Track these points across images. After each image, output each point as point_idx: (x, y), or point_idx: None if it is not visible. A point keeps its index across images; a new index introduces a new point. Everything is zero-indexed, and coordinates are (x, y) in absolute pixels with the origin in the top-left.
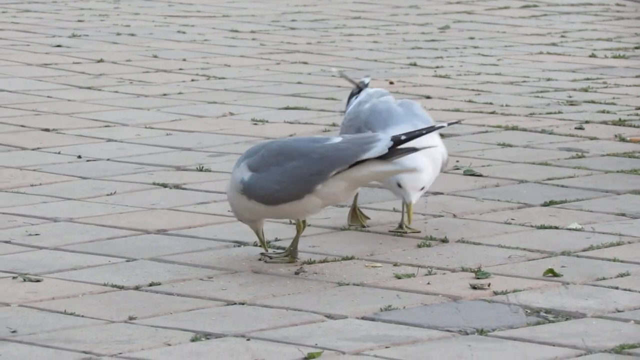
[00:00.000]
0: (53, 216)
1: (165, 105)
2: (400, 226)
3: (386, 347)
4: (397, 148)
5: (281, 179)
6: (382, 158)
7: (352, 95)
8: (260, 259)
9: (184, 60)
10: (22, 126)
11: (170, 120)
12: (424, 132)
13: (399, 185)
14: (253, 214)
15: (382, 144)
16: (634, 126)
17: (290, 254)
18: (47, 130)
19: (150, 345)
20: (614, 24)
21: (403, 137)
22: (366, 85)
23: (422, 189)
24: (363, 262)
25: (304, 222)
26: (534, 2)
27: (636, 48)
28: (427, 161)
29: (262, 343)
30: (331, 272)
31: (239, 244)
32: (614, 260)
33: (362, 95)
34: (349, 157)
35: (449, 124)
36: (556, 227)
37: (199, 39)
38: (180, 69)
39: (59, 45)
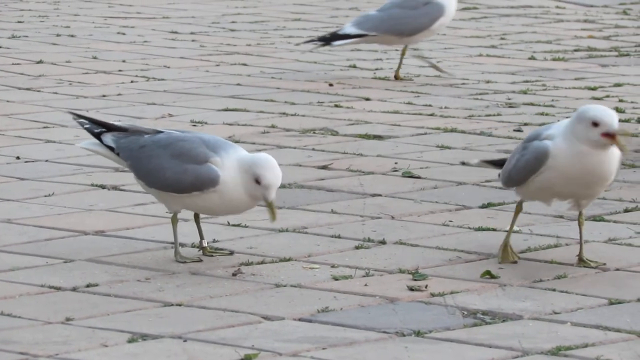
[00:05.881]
0: None
1: (105, 107)
2: (582, 259)
3: (323, 349)
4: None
5: None
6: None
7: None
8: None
9: (124, 61)
10: None
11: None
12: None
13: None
14: None
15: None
16: None
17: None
18: None
19: (87, 346)
20: (553, 27)
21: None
22: None
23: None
24: (301, 264)
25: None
26: (474, 4)
27: (575, 51)
28: None
29: (198, 344)
30: (269, 274)
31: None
32: (551, 262)
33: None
34: None
35: None
36: (494, 229)
37: (138, 41)
38: (120, 70)
39: None
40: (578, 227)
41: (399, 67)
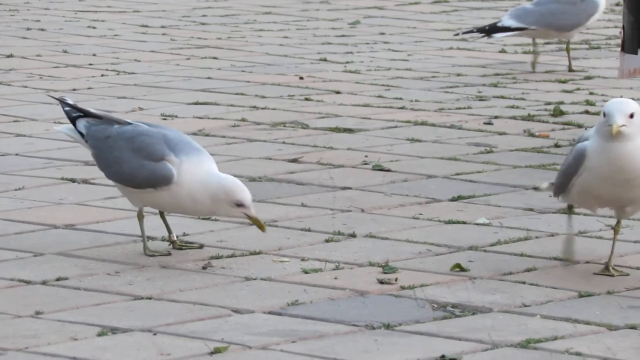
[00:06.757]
0: None
1: (75, 100)
2: (607, 267)
3: (292, 342)
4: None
5: None
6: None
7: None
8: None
9: (94, 55)
10: None
11: None
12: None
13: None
14: None
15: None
16: (543, 121)
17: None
18: None
19: (57, 340)
20: None
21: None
22: None
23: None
24: (271, 257)
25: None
26: None
27: (546, 43)
28: None
29: (168, 337)
30: (239, 267)
31: (147, 238)
32: (521, 254)
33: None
34: None
35: None
36: (464, 222)
37: (109, 34)
38: (90, 64)
39: None
40: (613, 235)
41: (570, 61)
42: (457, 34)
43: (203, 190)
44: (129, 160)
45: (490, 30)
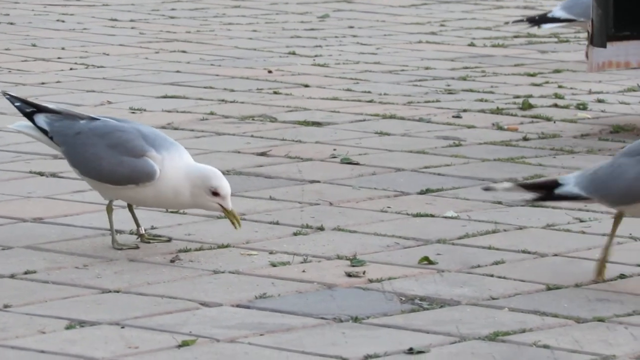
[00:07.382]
0: None
1: (44, 94)
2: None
3: (260, 335)
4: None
5: None
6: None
7: None
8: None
9: (63, 49)
10: None
11: None
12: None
13: None
14: None
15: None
16: (512, 114)
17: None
18: None
19: (25, 333)
20: (493, 13)
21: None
22: None
23: None
24: (239, 250)
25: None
26: None
27: (515, 37)
28: None
29: (136, 331)
30: (207, 260)
31: (116, 232)
32: (489, 248)
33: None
34: None
35: None
36: (432, 215)
37: (78, 28)
38: (59, 58)
39: None
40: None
41: None
42: (507, 23)
43: (185, 182)
44: (107, 157)
45: (539, 20)
